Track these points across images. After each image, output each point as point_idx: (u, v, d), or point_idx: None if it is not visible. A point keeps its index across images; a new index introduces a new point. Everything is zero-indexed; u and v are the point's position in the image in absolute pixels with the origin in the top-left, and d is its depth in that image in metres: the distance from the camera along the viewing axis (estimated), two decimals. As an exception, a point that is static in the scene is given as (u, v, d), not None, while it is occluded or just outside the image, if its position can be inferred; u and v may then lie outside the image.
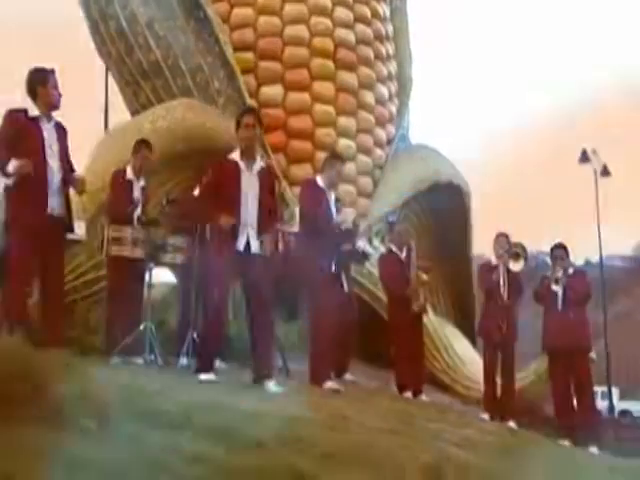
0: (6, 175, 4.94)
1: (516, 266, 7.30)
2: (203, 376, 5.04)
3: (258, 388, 5.10)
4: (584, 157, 19.61)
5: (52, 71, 5.04)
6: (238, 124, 5.37)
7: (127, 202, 6.54)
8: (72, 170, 5.32)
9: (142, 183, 6.74)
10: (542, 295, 7.31)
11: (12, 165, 4.88)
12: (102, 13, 9.13)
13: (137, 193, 6.63)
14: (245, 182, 5.24)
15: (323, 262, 6.02)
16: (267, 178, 5.42)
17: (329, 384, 5.82)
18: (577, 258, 7.95)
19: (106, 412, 1.99)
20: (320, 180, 6.33)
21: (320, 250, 6.01)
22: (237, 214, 5.19)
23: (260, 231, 5.27)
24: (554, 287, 7.14)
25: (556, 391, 7.30)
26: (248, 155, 5.33)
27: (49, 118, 5.11)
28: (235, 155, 5.34)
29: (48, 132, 5.12)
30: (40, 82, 5.03)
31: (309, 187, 6.42)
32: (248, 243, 5.23)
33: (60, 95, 5.16)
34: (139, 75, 9.15)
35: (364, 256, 7.56)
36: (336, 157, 6.59)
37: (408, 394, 7.24)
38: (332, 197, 6.34)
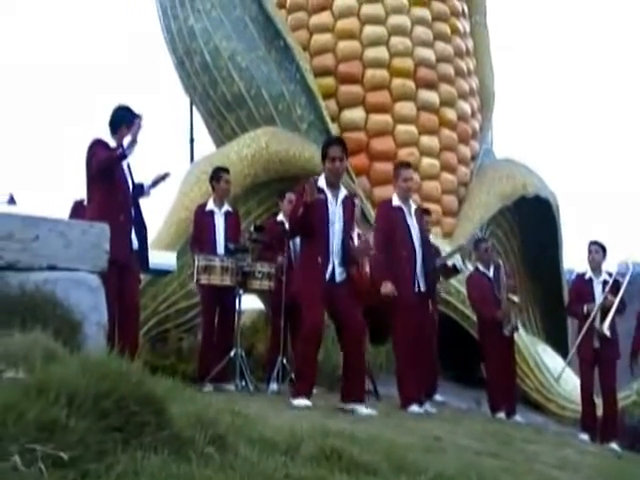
0: None
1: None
2: (297, 401, 5.07)
3: (349, 412, 5.12)
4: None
5: (140, 117, 5.16)
6: (324, 155, 5.36)
7: (209, 235, 6.68)
8: (139, 185, 5.48)
9: (226, 208, 6.84)
10: None
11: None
12: (186, 49, 9.36)
13: (220, 221, 6.75)
14: (331, 212, 5.27)
15: (403, 284, 5.94)
16: (350, 207, 5.43)
17: (413, 408, 5.75)
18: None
19: (224, 438, 2.05)
20: (395, 197, 6.19)
21: (399, 271, 5.96)
22: (324, 244, 5.23)
23: (345, 260, 5.29)
24: None
25: None
26: (334, 185, 5.36)
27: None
28: (321, 182, 5.33)
29: (125, 168, 5.32)
30: (127, 123, 5.17)
31: (382, 209, 6.33)
32: (333, 272, 5.26)
33: None
34: (223, 107, 9.32)
35: (455, 271, 7.47)
36: (397, 165, 6.46)
37: (501, 415, 7.11)
38: (412, 208, 6.14)
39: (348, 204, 5.40)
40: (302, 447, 2.36)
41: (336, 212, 5.29)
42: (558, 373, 8.45)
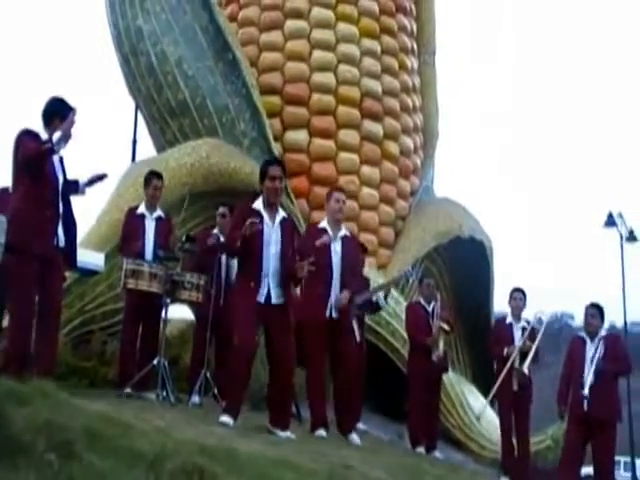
0: None
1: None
2: (224, 418, 4.92)
3: (267, 432, 4.96)
4: (610, 221, 19.19)
5: (74, 110, 4.92)
6: (264, 174, 5.27)
7: (136, 238, 6.56)
8: (74, 182, 5.21)
9: (158, 214, 6.76)
10: (573, 359, 6.79)
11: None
12: (133, 49, 9.19)
13: (151, 226, 6.65)
14: (267, 233, 5.14)
15: (314, 306, 5.80)
16: (289, 229, 5.31)
17: (319, 432, 5.62)
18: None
19: (71, 444, 1.83)
20: (324, 221, 6.05)
21: (313, 296, 5.83)
22: (257, 265, 5.10)
23: (282, 281, 5.17)
24: (587, 352, 6.62)
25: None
26: (271, 205, 5.26)
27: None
28: (258, 204, 5.24)
29: (55, 161, 5.05)
30: (60, 115, 4.93)
31: (307, 230, 6.34)
32: (269, 294, 5.13)
33: None
34: (167, 113, 9.19)
35: (377, 307, 7.48)
36: (330, 190, 6.32)
37: (421, 449, 7.05)
38: (340, 234, 5.96)
39: (287, 226, 5.29)
40: (168, 462, 2.18)
41: (272, 233, 5.17)
42: (479, 411, 8.52)
